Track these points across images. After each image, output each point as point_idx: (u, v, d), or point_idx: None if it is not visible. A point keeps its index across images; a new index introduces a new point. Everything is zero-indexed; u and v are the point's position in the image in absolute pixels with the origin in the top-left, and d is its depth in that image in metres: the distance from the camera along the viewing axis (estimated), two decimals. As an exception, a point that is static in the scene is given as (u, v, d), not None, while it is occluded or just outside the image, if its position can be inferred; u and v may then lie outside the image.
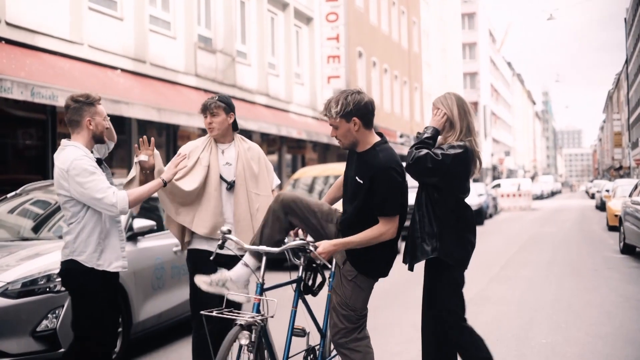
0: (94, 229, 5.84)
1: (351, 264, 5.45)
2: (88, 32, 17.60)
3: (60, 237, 9.13)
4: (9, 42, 15.13)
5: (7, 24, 15.11)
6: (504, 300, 11.98)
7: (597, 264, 16.58)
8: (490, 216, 39.68)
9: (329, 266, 5.37)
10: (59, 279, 7.55)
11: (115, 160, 20.17)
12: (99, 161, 5.99)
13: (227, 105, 6.46)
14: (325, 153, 34.11)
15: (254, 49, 27.39)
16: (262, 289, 5.28)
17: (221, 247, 5.40)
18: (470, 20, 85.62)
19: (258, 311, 5.20)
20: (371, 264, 5.53)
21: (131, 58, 19.36)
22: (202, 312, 5.28)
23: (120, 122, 19.26)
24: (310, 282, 5.83)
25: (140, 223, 8.87)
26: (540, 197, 79.72)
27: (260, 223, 5.85)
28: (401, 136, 46.42)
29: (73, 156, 5.79)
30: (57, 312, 7.48)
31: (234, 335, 4.99)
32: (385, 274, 5.61)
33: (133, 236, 8.79)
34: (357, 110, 5.27)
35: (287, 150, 30.65)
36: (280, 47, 30.07)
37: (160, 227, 9.39)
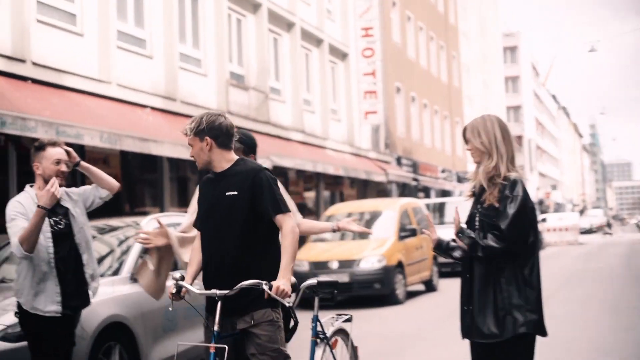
0: (28, 272, 5.93)
1: (263, 307, 5.13)
2: (116, 71, 17.54)
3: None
4: (35, 81, 15.08)
5: (34, 64, 15.08)
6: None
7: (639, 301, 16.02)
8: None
9: (286, 304, 5.04)
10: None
11: (147, 199, 20.07)
12: (53, 210, 5.99)
13: (247, 146, 6.41)
14: (364, 189, 33.78)
15: (288, 85, 27.28)
16: (218, 337, 4.97)
17: (177, 296, 5.18)
18: (512, 53, 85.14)
19: None
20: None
21: (161, 96, 19.27)
22: None
23: (151, 160, 19.15)
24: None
25: (148, 262, 8.61)
26: (589, 232, 78.41)
27: None
28: (443, 171, 46.00)
29: (11, 201, 6.02)
30: (58, 356, 7.24)
31: None
32: None
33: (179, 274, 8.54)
34: (209, 129, 5.25)
35: (325, 187, 30.38)
36: (316, 83, 29.93)
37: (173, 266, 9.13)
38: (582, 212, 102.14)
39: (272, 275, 5.11)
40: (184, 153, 17.69)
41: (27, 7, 14.89)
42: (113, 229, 10.44)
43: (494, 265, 5.00)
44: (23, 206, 5.90)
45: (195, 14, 21.64)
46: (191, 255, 5.50)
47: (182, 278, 5.20)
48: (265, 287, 4.94)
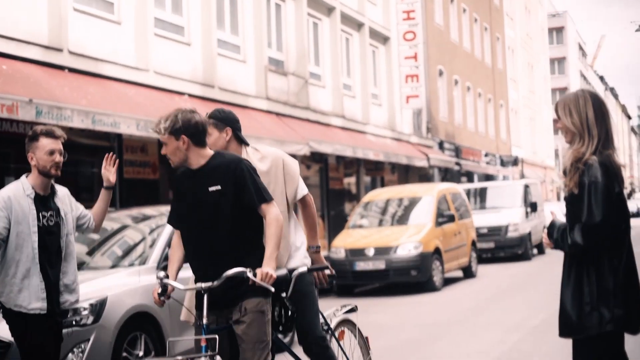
0: (10, 267, 5.68)
1: (255, 296, 5.10)
2: (154, 59, 17.60)
3: (114, 266, 9.07)
4: (73, 70, 15.20)
5: (70, 52, 15.19)
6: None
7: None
8: None
9: (271, 289, 4.98)
10: (85, 312, 7.46)
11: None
12: (45, 204, 5.83)
13: (219, 120, 5.82)
14: (406, 174, 33.64)
15: (328, 70, 27.19)
16: (207, 330, 4.96)
17: (162, 294, 5.20)
18: (559, 34, 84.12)
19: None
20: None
21: (199, 83, 19.32)
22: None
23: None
24: (276, 318, 5.51)
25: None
26: (636, 215, 77.43)
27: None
28: (486, 155, 45.63)
29: (1, 190, 5.81)
30: (82, 346, 7.37)
31: None
32: None
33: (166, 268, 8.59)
34: (186, 128, 5.11)
35: (366, 173, 30.30)
36: (356, 68, 29.80)
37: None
38: (630, 195, 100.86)
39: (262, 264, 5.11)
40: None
41: (64, -4, 15.01)
42: (146, 217, 10.52)
43: (579, 255, 4.58)
44: (10, 200, 5.70)
45: (233, 0, 21.63)
46: (171, 252, 5.45)
47: (167, 276, 5.19)
48: (250, 274, 4.91)
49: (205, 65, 19.71)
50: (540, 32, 69.19)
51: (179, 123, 5.08)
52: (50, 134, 5.83)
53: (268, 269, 4.94)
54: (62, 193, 6.03)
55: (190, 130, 5.11)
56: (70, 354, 7.26)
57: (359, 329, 6.49)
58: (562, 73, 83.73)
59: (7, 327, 7.12)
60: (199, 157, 5.18)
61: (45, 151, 5.78)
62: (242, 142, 5.92)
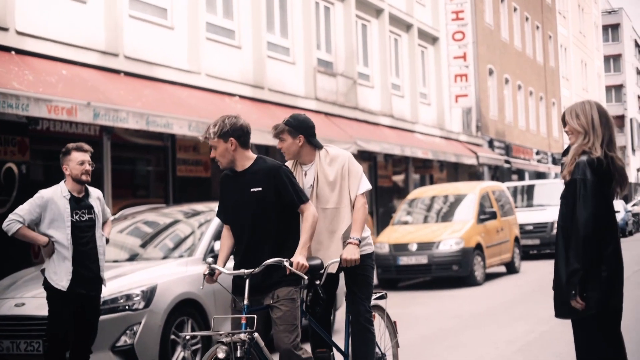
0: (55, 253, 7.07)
1: (287, 285, 5.80)
2: (206, 62, 18.35)
3: (165, 257, 9.80)
4: (128, 74, 15.99)
5: (126, 57, 15.98)
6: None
7: None
8: (630, 233, 38.60)
9: (305, 278, 5.76)
10: (137, 298, 8.20)
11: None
12: (78, 204, 7.14)
13: (293, 128, 6.31)
14: (455, 172, 34.08)
15: (376, 70, 27.76)
16: (248, 310, 5.64)
17: (210, 277, 5.89)
18: (614, 31, 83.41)
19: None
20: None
21: (249, 85, 20.03)
22: (182, 333, 5.77)
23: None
24: (308, 303, 6.18)
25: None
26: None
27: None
28: (537, 153, 45.78)
29: (44, 189, 7.23)
30: (134, 328, 8.08)
31: (212, 351, 5.48)
32: None
33: (216, 257, 9.26)
34: (233, 131, 5.79)
35: (414, 171, 30.82)
36: (405, 68, 30.32)
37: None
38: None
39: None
40: (272, 140, 18.43)
41: (120, 3, 15.79)
42: (196, 213, 11.21)
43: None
44: (47, 200, 7.05)
45: (283, 4, 22.31)
46: (221, 243, 6.14)
47: (215, 262, 5.94)
48: (287, 264, 5.67)
49: (255, 67, 20.41)
50: (594, 29, 68.83)
51: (227, 127, 5.80)
52: (80, 149, 7.20)
53: (300, 259, 5.68)
54: (95, 194, 7.38)
55: (237, 132, 5.83)
56: (123, 336, 8.02)
57: (387, 314, 7.10)
58: (618, 71, 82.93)
59: None
60: (244, 159, 5.91)
61: (77, 162, 7.13)
62: (316, 146, 6.47)
